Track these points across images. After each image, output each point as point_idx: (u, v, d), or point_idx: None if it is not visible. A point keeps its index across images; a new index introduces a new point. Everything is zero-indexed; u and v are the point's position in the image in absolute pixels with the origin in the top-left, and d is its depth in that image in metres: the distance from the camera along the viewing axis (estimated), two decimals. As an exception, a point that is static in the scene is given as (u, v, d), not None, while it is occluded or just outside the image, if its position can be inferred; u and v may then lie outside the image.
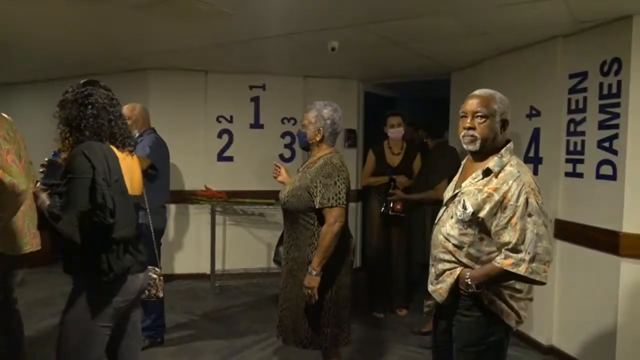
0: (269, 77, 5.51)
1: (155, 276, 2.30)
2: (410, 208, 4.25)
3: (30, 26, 3.69)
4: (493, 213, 1.88)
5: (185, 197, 5.26)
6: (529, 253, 1.82)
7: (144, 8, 3.10)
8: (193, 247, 5.49)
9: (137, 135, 3.59)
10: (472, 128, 1.96)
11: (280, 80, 5.53)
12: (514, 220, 1.84)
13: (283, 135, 5.62)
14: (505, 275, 1.88)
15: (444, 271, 2.01)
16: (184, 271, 5.45)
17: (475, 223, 1.92)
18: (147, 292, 2.26)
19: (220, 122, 5.49)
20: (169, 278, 5.04)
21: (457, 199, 2.01)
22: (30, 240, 2.70)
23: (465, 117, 2.00)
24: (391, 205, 4.20)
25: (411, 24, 3.38)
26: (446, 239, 2.00)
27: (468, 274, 1.92)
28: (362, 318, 4.31)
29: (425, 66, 4.91)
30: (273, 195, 5.46)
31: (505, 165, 1.93)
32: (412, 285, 4.63)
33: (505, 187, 1.87)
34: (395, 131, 4.35)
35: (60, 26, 3.68)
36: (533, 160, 3.75)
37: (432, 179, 4.00)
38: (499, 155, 1.96)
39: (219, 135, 5.49)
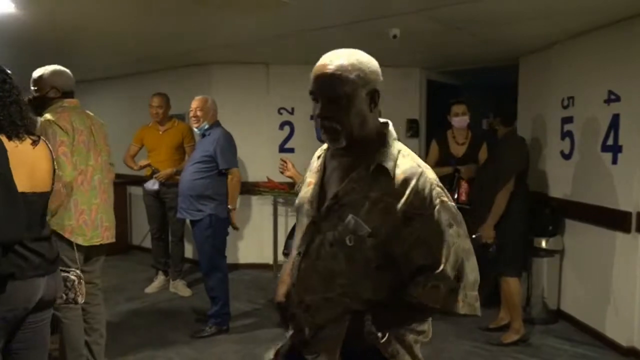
0: (329, 68, 5.48)
1: (73, 278, 2.11)
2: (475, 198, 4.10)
3: (98, 23, 3.86)
4: (396, 230, 1.30)
5: (248, 189, 5.36)
6: (457, 279, 1.30)
7: (203, 1, 3.15)
8: (256, 238, 5.59)
9: (207, 127, 3.68)
10: (328, 117, 1.33)
11: (340, 71, 5.49)
12: (428, 235, 1.29)
13: (344, 126, 5.59)
14: (424, 314, 1.38)
15: (328, 321, 1.38)
16: (248, 261, 5.57)
17: (371, 247, 1.32)
18: (63, 296, 2.07)
19: (281, 113, 5.54)
20: (233, 267, 5.17)
21: (334, 214, 1.37)
22: (102, 233, 2.84)
23: (316, 100, 1.37)
24: (455, 196, 4.08)
25: (474, 8, 3.24)
26: (329, 275, 1.37)
27: (369, 319, 1.32)
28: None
29: (490, 52, 4.71)
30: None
31: (397, 159, 1.35)
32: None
33: (407, 190, 1.30)
34: (460, 120, 4.21)
35: (125, 23, 3.83)
36: (612, 148, 3.50)
37: (500, 172, 3.81)
38: (387, 145, 1.37)
39: (281, 127, 5.54)
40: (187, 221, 3.91)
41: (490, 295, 3.91)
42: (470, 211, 4.12)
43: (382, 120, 1.44)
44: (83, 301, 2.19)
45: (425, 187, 1.30)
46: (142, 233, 6.14)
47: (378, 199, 1.31)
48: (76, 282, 2.11)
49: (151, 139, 4.74)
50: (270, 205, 5.40)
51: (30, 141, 1.89)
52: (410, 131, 5.69)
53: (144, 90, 5.14)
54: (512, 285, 3.64)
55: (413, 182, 1.30)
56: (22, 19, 3.60)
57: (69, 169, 2.60)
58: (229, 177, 3.71)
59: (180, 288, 4.74)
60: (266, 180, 5.27)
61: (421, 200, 1.29)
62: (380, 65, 1.42)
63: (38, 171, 1.90)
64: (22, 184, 1.79)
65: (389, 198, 1.30)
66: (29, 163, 1.85)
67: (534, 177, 4.14)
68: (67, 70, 2.80)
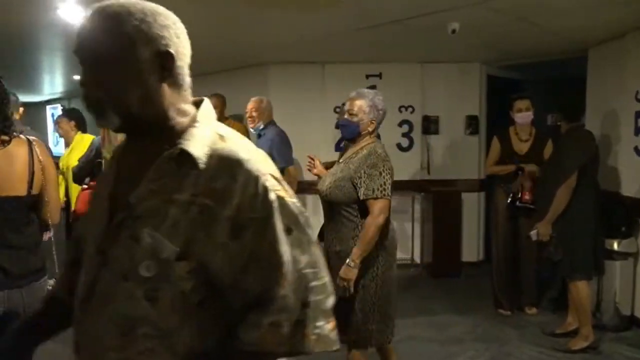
0: (385, 65, 5.41)
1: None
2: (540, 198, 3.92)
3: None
4: (221, 246, 0.90)
5: (304, 188, 5.37)
6: (304, 306, 0.93)
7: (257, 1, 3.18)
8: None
9: (262, 127, 3.73)
10: (86, 84, 0.96)
11: (396, 68, 5.41)
12: (261, 249, 0.91)
13: (400, 124, 5.50)
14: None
15: None
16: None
17: (186, 275, 0.91)
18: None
19: (337, 112, 5.52)
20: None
21: (125, 233, 0.94)
22: None
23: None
24: (519, 195, 3.92)
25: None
26: (126, 325, 0.93)
27: None
28: (486, 314, 4.09)
29: (556, 43, 4.48)
30: (393, 185, 5.42)
31: (213, 144, 0.96)
32: (542, 283, 4.29)
33: (231, 187, 0.91)
34: (523, 116, 4.02)
35: (185, 26, 3.94)
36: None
37: (561, 167, 3.61)
38: (196, 126, 0.98)
39: (337, 126, 5.53)
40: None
41: (558, 299, 3.72)
42: (536, 210, 3.95)
43: (196, 98, 1.06)
44: None
45: (251, 179, 0.91)
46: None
47: (188, 202, 0.91)
48: None
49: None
50: (327, 204, 5.40)
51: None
52: (470, 128, 5.51)
53: (202, 92, 5.25)
54: (581, 289, 3.44)
55: (238, 175, 0.91)
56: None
57: None
58: (284, 176, 3.73)
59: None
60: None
61: (250, 198, 0.90)
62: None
63: (6, 175, 1.76)
64: None
65: (204, 199, 0.90)
66: None
67: (605, 175, 3.90)
68: None
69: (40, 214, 1.92)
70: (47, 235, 2.12)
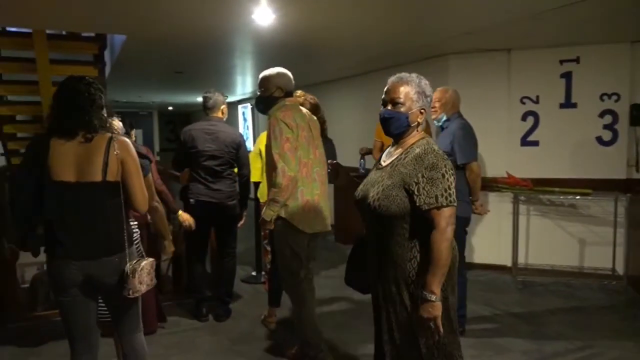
0: (584, 48, 4.78)
1: (128, 267, 2.13)
2: None
3: (343, 24, 4.07)
4: None
5: (485, 184, 5.03)
6: None
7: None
8: (493, 237, 5.23)
9: (444, 119, 3.56)
10: None
11: (598, 50, 4.74)
12: None
13: (602, 115, 4.80)
14: None
15: None
16: (483, 261, 5.26)
17: None
18: (125, 287, 2.12)
19: (524, 103, 5.05)
20: (467, 267, 4.93)
21: None
22: (322, 222, 2.99)
23: None
24: None
25: None
26: None
27: None
28: None
29: None
30: (589, 184, 4.80)
31: None
32: None
33: None
34: None
35: (367, 21, 3.94)
36: None
37: None
38: None
39: (523, 118, 5.06)
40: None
41: None
42: None
43: None
44: (129, 295, 2.14)
45: None
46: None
47: None
48: (127, 273, 2.13)
49: (387, 133, 4.81)
50: (510, 203, 4.98)
51: (83, 139, 2.10)
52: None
53: (381, 86, 5.25)
54: None
55: None
56: (277, 28, 4.01)
57: (293, 164, 2.80)
58: (467, 172, 3.50)
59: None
60: (506, 175, 4.88)
61: None
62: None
63: (86, 164, 2.09)
64: (66, 174, 2.07)
65: None
66: (65, 156, 2.08)
67: None
68: (289, 72, 3.03)
69: (128, 203, 2.21)
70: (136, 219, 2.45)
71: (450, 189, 1.87)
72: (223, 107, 3.93)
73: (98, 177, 2.09)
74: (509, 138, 5.11)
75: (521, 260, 4.99)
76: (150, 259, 2.25)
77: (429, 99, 2.06)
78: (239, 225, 4.02)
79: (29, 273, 5.22)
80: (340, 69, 6.48)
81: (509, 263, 5.03)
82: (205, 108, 3.92)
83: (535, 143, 5.03)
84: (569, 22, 3.93)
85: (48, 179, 2.07)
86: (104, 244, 2.13)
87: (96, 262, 2.11)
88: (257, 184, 4.33)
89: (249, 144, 9.08)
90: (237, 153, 3.83)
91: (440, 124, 3.62)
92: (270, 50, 5.10)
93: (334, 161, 2.44)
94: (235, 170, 3.91)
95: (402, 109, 2.00)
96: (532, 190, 4.72)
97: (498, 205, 5.14)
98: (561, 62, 4.87)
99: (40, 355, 3.37)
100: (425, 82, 2.07)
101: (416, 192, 1.88)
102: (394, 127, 2.03)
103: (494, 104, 5.13)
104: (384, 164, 2.09)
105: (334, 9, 3.54)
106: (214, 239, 4.17)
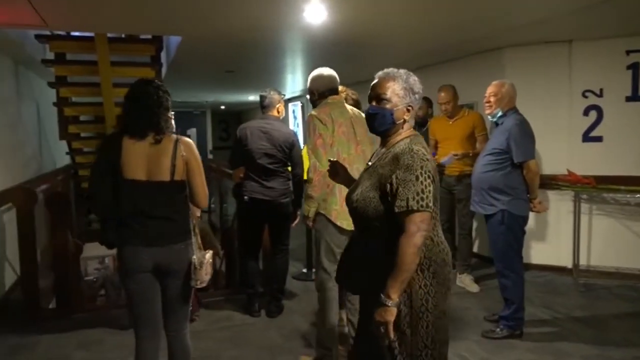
0: (654, 37, 4.51)
1: (195, 259, 2.28)
2: None
3: (394, 19, 4.01)
4: None
5: (544, 182, 4.82)
6: None
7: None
8: (552, 237, 5.03)
9: (500, 115, 3.44)
10: None
11: (670, 39, 4.46)
12: None
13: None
14: None
15: None
16: (541, 262, 5.06)
17: None
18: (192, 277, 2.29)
19: (586, 97, 4.81)
20: (525, 267, 4.74)
21: None
22: None
23: None
24: None
25: None
26: None
27: None
28: None
29: None
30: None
31: None
32: None
33: None
34: None
35: (418, 15, 3.86)
36: None
37: None
38: None
39: (585, 113, 4.82)
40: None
41: None
42: None
43: None
44: (195, 285, 2.32)
45: None
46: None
47: None
48: (193, 264, 2.29)
49: (441, 130, 4.70)
50: (570, 202, 4.76)
51: (153, 140, 2.25)
52: None
53: (435, 82, 5.13)
54: None
55: None
56: (328, 25, 4.00)
57: (324, 160, 2.82)
58: (524, 170, 3.37)
59: (467, 282, 4.60)
60: (566, 173, 4.67)
61: None
62: None
63: (155, 165, 2.24)
64: (137, 173, 2.23)
65: None
66: (136, 156, 2.23)
67: None
68: (325, 73, 3.08)
69: (189, 199, 2.37)
70: (196, 214, 2.54)
71: (423, 192, 1.73)
72: (279, 105, 3.96)
73: (166, 177, 2.25)
74: (569, 134, 4.89)
75: (583, 261, 4.76)
76: (210, 251, 2.41)
77: (417, 95, 1.94)
78: (292, 224, 4.04)
79: (91, 266, 5.49)
80: (389, 66, 6.39)
81: (569, 264, 4.81)
82: (262, 106, 3.97)
83: (599, 139, 4.78)
84: (636, 10, 3.70)
85: (121, 177, 2.23)
86: (171, 232, 2.29)
87: (164, 248, 2.27)
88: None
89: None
90: (290, 152, 3.86)
91: (495, 119, 3.50)
92: (321, 48, 5.10)
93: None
94: (289, 169, 3.94)
95: (388, 106, 1.91)
96: (595, 189, 4.50)
97: (557, 204, 4.93)
98: (628, 52, 4.61)
99: (102, 344, 3.52)
100: (414, 79, 1.95)
101: (390, 194, 1.80)
102: (378, 123, 1.94)
103: (553, 99, 4.92)
104: (370, 163, 2.01)
105: (387, 3, 3.49)
106: (268, 236, 4.21)
